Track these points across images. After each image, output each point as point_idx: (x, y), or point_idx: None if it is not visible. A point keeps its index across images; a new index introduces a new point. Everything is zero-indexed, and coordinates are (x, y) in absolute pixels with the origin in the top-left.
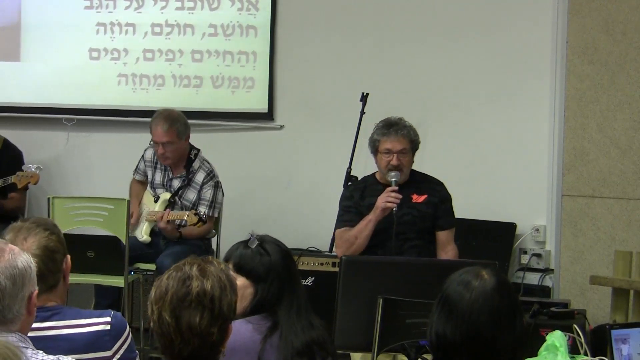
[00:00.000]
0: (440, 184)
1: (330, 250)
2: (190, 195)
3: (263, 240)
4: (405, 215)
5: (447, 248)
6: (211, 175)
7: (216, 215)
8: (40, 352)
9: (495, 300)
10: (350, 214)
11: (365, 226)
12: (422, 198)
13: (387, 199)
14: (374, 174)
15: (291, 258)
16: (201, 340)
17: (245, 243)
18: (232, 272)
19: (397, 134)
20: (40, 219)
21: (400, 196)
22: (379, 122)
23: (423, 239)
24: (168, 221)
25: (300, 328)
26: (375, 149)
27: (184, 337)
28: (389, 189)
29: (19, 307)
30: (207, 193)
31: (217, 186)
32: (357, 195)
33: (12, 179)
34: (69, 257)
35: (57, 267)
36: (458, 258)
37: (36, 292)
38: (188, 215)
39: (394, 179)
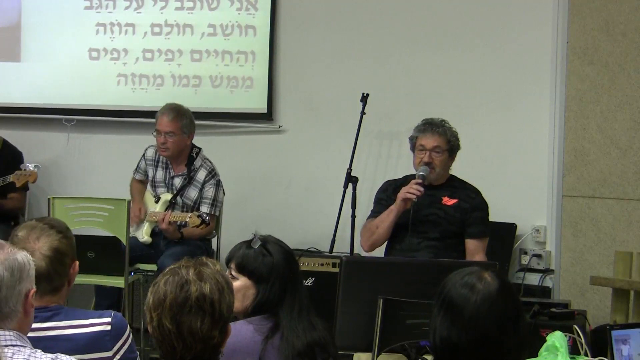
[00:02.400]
0: (476, 192)
1: (331, 251)
2: (192, 193)
3: (266, 241)
4: (431, 215)
5: (475, 257)
6: (212, 173)
7: (217, 214)
8: (39, 351)
9: (500, 302)
10: (380, 205)
11: (386, 216)
12: (452, 202)
13: (409, 190)
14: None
15: (294, 259)
16: (203, 344)
17: (248, 243)
18: (234, 272)
19: (433, 132)
20: (54, 221)
21: (422, 189)
22: (421, 120)
23: (444, 241)
24: (170, 222)
25: (301, 329)
26: (413, 146)
27: (186, 342)
28: (413, 181)
29: (15, 301)
30: (209, 191)
31: (218, 184)
32: (390, 190)
33: (11, 177)
34: (77, 262)
35: (64, 270)
36: None
37: (33, 290)
38: (190, 217)
39: (421, 172)
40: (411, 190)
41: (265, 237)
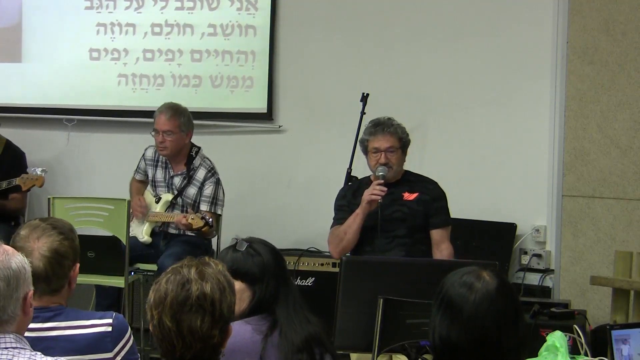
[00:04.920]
0: (433, 183)
1: None
2: (191, 191)
3: (251, 241)
4: (395, 212)
5: (441, 247)
6: (212, 172)
7: (219, 212)
8: (39, 353)
9: (499, 301)
10: (342, 212)
11: (353, 221)
12: (413, 196)
13: (373, 192)
14: (369, 175)
15: (280, 255)
16: (203, 343)
17: (233, 247)
18: None
19: (384, 132)
20: (58, 221)
21: (385, 189)
22: (368, 122)
23: (412, 237)
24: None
25: (298, 323)
26: (365, 149)
27: (185, 341)
28: (374, 182)
29: (14, 307)
30: (208, 189)
31: (217, 183)
32: (349, 195)
33: (17, 181)
34: (78, 265)
35: (63, 272)
36: (453, 257)
37: (31, 292)
38: (193, 219)
39: (380, 173)
40: (375, 192)
41: (249, 238)
